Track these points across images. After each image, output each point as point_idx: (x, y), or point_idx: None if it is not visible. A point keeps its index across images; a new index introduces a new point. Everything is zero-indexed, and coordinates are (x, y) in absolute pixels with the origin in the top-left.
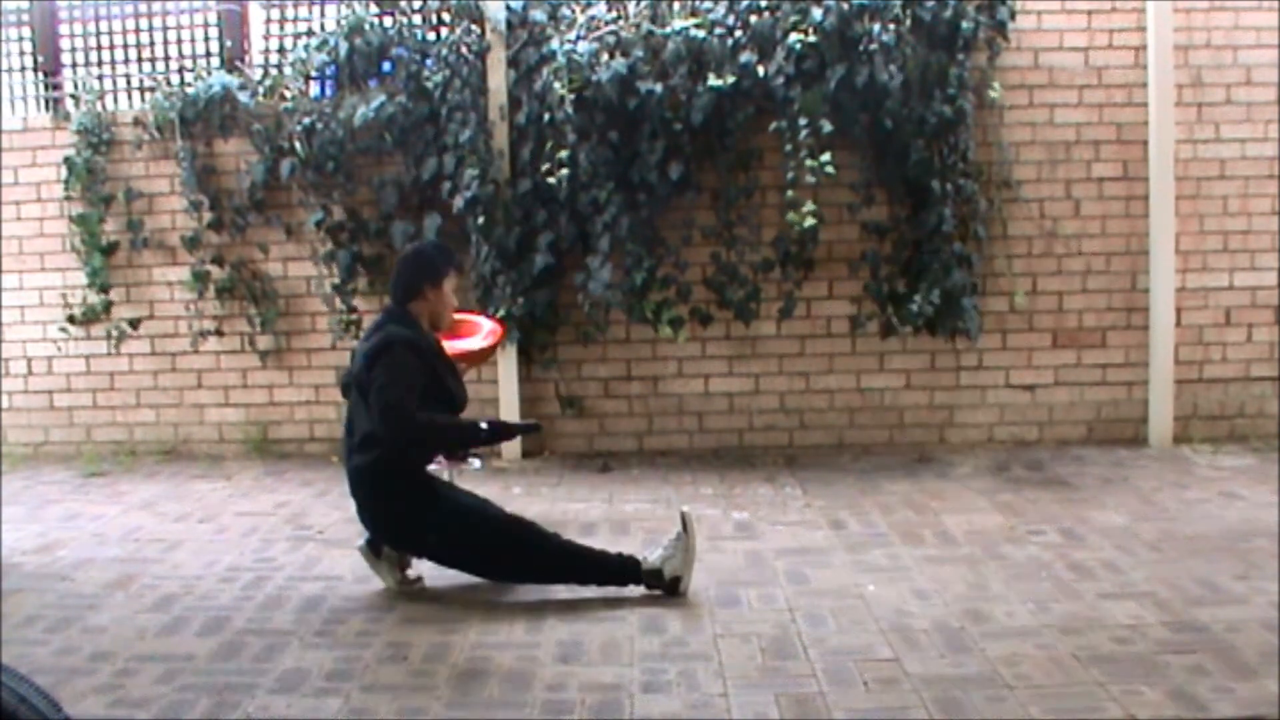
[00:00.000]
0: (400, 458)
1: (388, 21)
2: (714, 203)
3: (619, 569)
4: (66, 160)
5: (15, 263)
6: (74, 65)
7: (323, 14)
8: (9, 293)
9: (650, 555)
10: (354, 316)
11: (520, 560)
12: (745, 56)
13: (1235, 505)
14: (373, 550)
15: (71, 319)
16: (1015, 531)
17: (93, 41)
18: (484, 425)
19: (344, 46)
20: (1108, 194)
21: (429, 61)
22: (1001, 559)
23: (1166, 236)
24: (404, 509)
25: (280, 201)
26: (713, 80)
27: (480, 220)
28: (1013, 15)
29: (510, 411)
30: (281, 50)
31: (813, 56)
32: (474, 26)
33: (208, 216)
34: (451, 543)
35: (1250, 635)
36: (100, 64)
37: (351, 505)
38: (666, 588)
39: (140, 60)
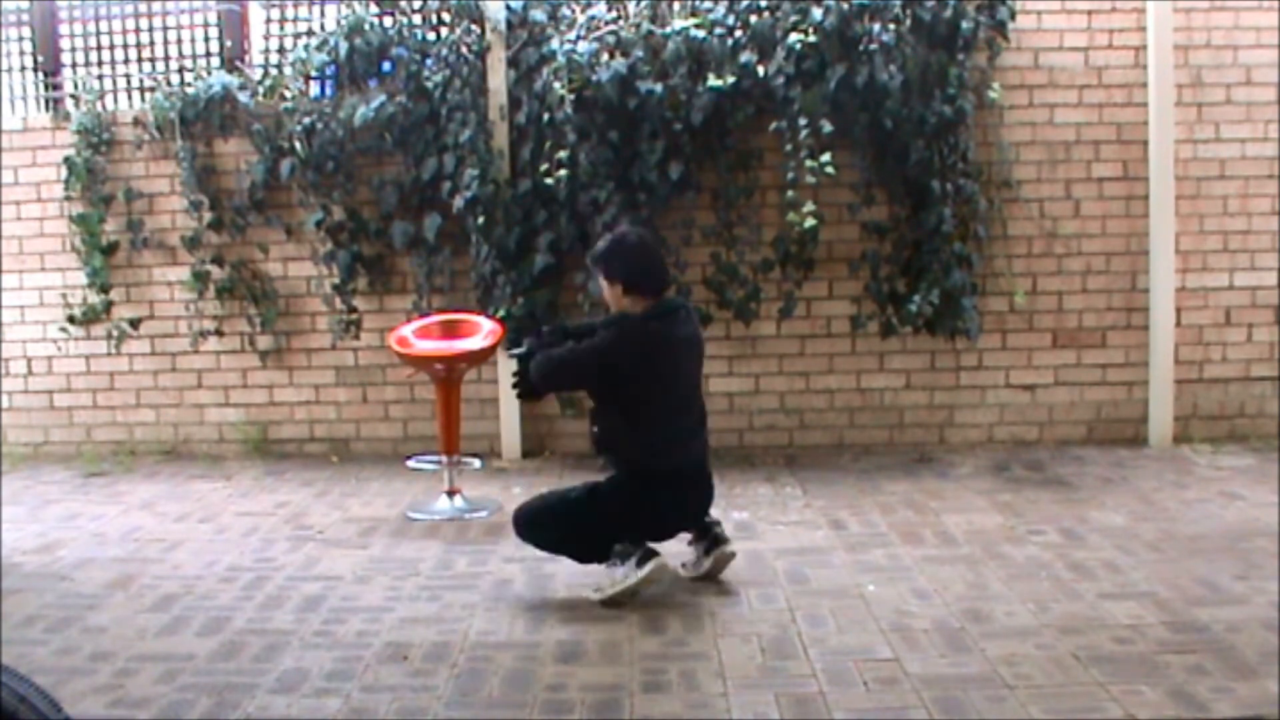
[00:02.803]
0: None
1: (388, 21)
2: (714, 203)
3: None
4: (66, 160)
5: (15, 263)
6: (74, 65)
7: (323, 14)
8: (9, 293)
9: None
10: (354, 316)
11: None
12: (745, 56)
13: (1235, 505)
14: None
15: (71, 319)
16: (1015, 531)
17: (93, 41)
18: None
19: (344, 46)
20: (1108, 194)
21: (429, 61)
22: (1001, 559)
23: (1166, 236)
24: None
25: (280, 201)
26: (713, 80)
27: (480, 220)
28: (1013, 15)
29: (510, 411)
30: (281, 50)
31: (813, 56)
32: (474, 26)
33: (208, 216)
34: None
35: (1250, 635)
36: (100, 64)
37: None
38: (641, 553)
39: (140, 60)
